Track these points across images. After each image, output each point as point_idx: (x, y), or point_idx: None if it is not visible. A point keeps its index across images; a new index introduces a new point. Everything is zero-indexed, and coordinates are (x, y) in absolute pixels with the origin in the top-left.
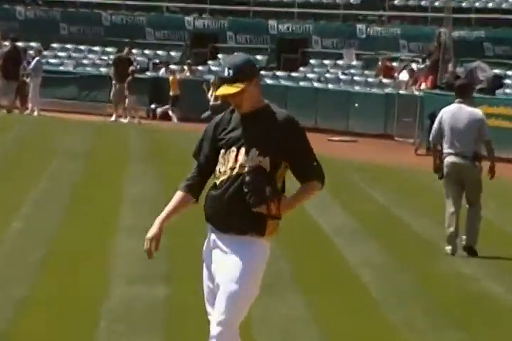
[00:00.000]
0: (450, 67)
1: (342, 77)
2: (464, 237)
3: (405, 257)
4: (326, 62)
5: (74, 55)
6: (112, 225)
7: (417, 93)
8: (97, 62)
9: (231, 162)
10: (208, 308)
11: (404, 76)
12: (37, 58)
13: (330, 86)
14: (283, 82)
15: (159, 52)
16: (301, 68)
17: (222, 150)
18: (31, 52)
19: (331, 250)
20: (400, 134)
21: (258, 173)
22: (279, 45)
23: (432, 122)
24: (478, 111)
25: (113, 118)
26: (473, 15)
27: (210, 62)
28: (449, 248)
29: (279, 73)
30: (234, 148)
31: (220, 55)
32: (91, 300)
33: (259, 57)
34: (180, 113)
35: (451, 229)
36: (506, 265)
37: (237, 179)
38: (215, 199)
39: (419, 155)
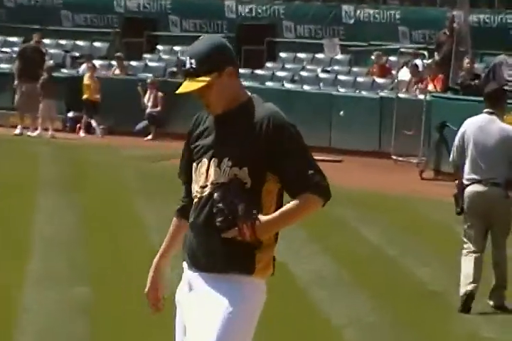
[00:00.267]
0: (466, 62)
1: (322, 75)
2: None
3: (405, 314)
4: (301, 55)
5: None
6: (18, 273)
7: (422, 97)
8: None
9: (202, 178)
10: None
11: (405, 74)
12: None
13: (306, 87)
14: (244, 83)
15: (79, 43)
16: (268, 64)
17: (194, 164)
18: None
19: (309, 305)
20: (400, 152)
21: (231, 188)
22: (238, 33)
23: (442, 136)
24: None
25: (18, 130)
26: None
27: (146, 55)
28: (463, 290)
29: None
30: (205, 160)
31: (159, 47)
32: None
33: None
34: (107, 124)
35: (471, 278)
36: None
37: (209, 200)
38: (189, 228)
39: (425, 180)
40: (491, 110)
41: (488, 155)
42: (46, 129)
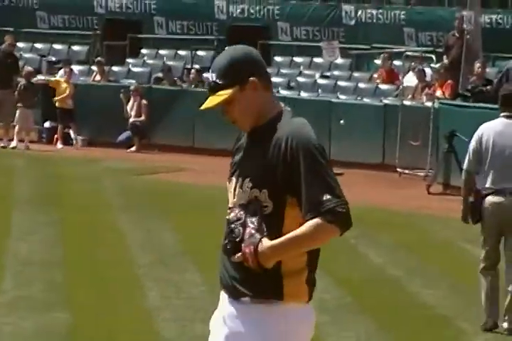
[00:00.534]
0: (477, 66)
1: (321, 81)
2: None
3: (411, 339)
4: (298, 59)
5: None
6: None
7: (429, 104)
8: None
9: (230, 198)
10: None
11: (410, 80)
12: None
13: (303, 94)
14: None
15: (56, 47)
16: None
17: (227, 182)
18: None
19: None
20: (406, 164)
21: (247, 209)
22: (230, 35)
23: (451, 146)
24: None
25: None
26: None
27: (129, 60)
28: (488, 319)
29: None
30: (233, 179)
31: (144, 50)
32: None
33: (201, 53)
34: (87, 134)
35: (488, 292)
36: None
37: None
38: (221, 251)
39: (433, 195)
40: (508, 113)
41: (507, 162)
42: (21, 140)
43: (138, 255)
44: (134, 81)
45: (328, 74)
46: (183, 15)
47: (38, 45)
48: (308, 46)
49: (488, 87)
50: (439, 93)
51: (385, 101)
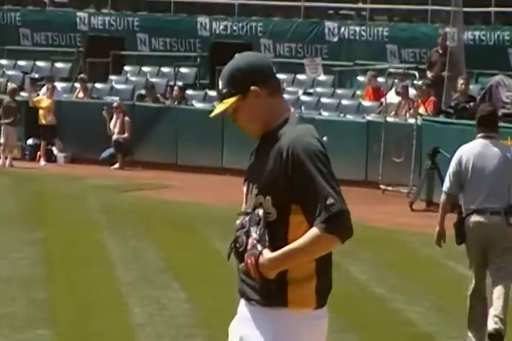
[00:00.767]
0: (460, 83)
1: (304, 98)
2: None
3: None
4: (281, 76)
5: None
6: None
7: (412, 121)
8: None
9: (243, 202)
10: None
11: (393, 97)
12: None
13: None
14: None
15: (40, 64)
16: None
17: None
18: None
19: None
20: (388, 181)
21: (251, 218)
22: (212, 52)
23: (434, 163)
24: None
25: None
26: (493, 9)
27: (112, 77)
28: (472, 335)
29: (213, 93)
30: (246, 184)
31: (127, 67)
32: None
33: (184, 69)
34: (70, 151)
35: (474, 310)
36: None
37: None
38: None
39: (416, 211)
40: (486, 134)
41: (488, 182)
42: (5, 158)
43: (121, 272)
44: (117, 98)
45: (311, 91)
46: (165, 32)
47: (21, 62)
48: (291, 63)
49: (471, 104)
50: (422, 110)
51: (368, 117)
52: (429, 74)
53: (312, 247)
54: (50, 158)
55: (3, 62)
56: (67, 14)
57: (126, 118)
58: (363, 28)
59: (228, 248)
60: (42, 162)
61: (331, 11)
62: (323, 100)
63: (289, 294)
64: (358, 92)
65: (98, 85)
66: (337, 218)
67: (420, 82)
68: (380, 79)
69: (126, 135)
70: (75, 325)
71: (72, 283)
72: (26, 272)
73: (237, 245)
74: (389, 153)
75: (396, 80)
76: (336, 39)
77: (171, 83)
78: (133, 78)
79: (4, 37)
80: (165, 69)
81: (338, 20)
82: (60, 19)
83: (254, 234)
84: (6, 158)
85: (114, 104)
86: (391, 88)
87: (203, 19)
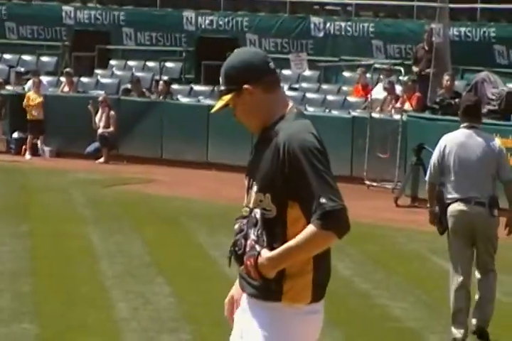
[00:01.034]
0: (446, 79)
1: (289, 93)
2: (474, 320)
3: None
4: None
5: None
6: None
7: (397, 117)
8: None
9: (245, 197)
10: None
11: (378, 92)
12: None
13: None
14: (205, 101)
15: (25, 57)
16: None
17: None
18: None
19: None
20: (373, 177)
21: (248, 221)
22: (198, 47)
23: (419, 159)
24: (495, 140)
25: None
26: (479, 5)
27: (98, 71)
28: (458, 332)
29: (198, 88)
30: (246, 179)
31: (112, 62)
32: None
33: (170, 64)
34: (55, 145)
35: (460, 304)
36: None
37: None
38: None
39: (401, 207)
40: (470, 124)
41: (471, 172)
42: None
43: (106, 266)
44: (102, 92)
45: (296, 86)
46: (151, 26)
47: (7, 56)
48: (277, 58)
49: (457, 100)
50: (407, 106)
51: (354, 113)
52: (414, 69)
53: (309, 244)
54: (36, 151)
55: None
56: (53, 8)
57: (112, 112)
58: (349, 23)
59: (228, 252)
60: (27, 156)
61: (316, 7)
62: (309, 95)
63: (284, 288)
64: (345, 88)
65: (84, 79)
66: (332, 214)
67: (405, 78)
68: (366, 75)
69: (111, 129)
70: (59, 318)
71: (56, 277)
72: (12, 266)
73: (236, 248)
74: (374, 148)
75: (382, 76)
76: (321, 34)
77: (157, 77)
78: (118, 72)
79: None
80: (150, 64)
81: (323, 16)
82: (46, 13)
83: (252, 235)
84: None
85: (100, 98)
86: (376, 84)
87: (188, 14)
